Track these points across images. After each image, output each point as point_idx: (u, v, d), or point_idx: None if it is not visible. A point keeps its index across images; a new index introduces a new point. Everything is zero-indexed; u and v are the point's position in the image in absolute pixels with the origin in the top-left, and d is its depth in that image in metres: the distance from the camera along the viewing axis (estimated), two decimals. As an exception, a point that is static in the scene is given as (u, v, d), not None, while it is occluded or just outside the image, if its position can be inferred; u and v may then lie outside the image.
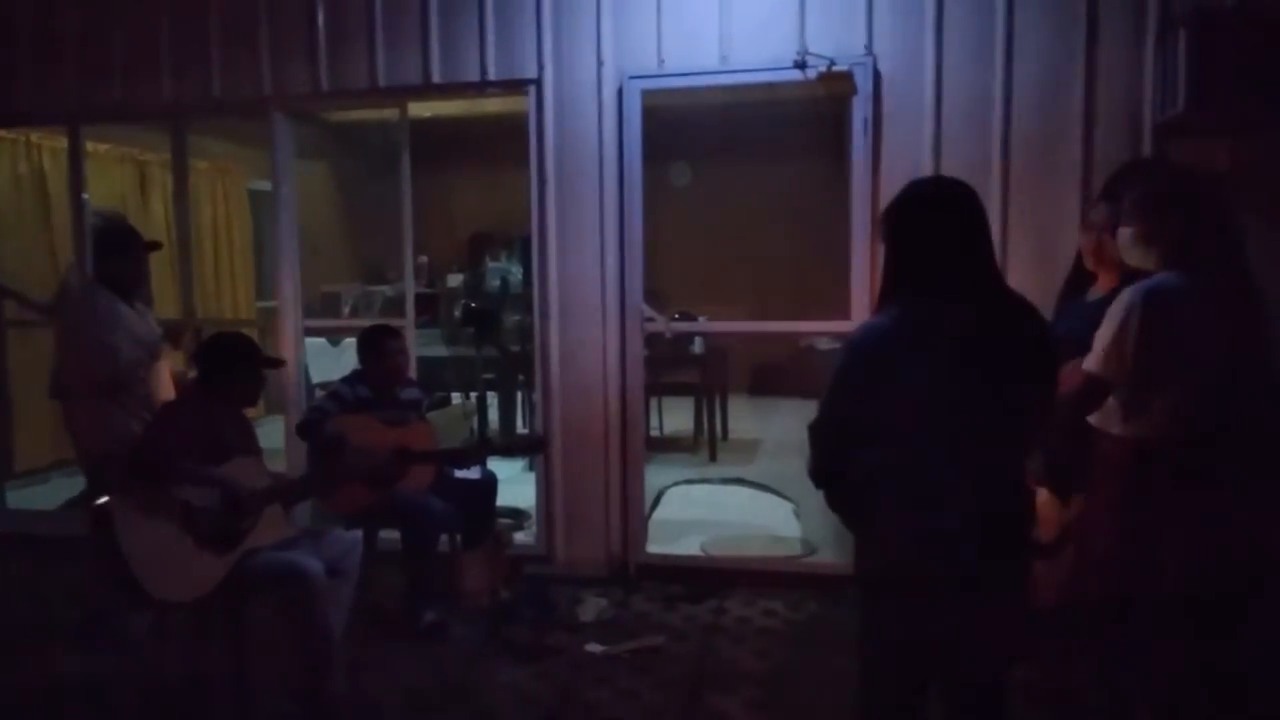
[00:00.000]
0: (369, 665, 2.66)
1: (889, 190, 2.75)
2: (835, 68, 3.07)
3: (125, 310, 2.87)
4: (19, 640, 2.93)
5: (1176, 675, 1.96)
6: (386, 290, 6.47)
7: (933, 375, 1.46)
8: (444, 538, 3.09)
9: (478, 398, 4.61)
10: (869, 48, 3.08)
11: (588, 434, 3.42)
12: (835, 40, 3.08)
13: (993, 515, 1.50)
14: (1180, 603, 1.90)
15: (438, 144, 4.82)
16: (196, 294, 4.75)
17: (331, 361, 5.13)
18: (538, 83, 3.36)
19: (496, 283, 5.12)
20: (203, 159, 5.66)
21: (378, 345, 3.10)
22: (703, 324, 4.89)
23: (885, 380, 1.48)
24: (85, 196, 4.01)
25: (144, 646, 2.59)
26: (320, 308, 6.06)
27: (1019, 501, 1.56)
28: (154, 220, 5.47)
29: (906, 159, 3.03)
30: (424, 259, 6.07)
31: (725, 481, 4.61)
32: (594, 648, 2.80)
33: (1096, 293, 2.29)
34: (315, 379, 5.04)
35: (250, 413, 2.66)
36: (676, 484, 4.49)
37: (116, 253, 2.94)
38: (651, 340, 3.55)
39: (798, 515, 3.95)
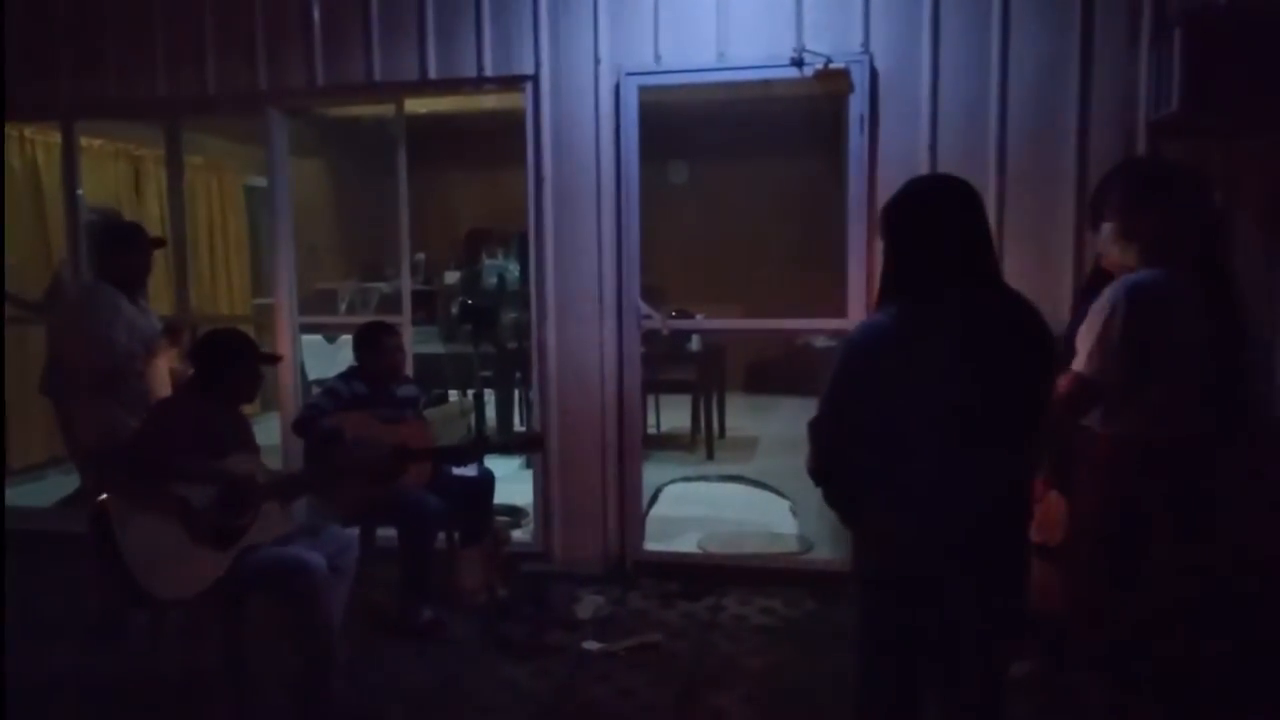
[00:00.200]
0: (366, 662, 2.66)
1: (885, 188, 2.76)
2: (832, 65, 3.07)
3: (127, 305, 2.87)
4: (17, 638, 2.92)
5: (1168, 674, 1.97)
6: (383, 287, 6.47)
7: (931, 373, 1.47)
8: (441, 535, 3.09)
9: (475, 395, 4.59)
10: (865, 46, 3.08)
11: (585, 431, 3.42)
12: (832, 38, 3.08)
13: (990, 513, 1.50)
14: (1168, 602, 1.91)
15: (434, 140, 4.81)
16: (192, 291, 4.73)
17: (328, 359, 5.11)
18: (535, 79, 3.36)
19: (493, 280, 5.11)
20: (198, 155, 5.63)
21: (374, 342, 3.10)
22: (700, 321, 4.89)
23: (884, 378, 1.49)
24: (79, 192, 3.99)
25: (143, 644, 2.58)
26: (316, 305, 6.05)
27: (1017, 499, 1.56)
28: (149, 217, 5.44)
29: (903, 157, 3.04)
30: (421, 256, 6.07)
31: (723, 479, 4.61)
32: (591, 645, 2.80)
33: None
34: (311, 376, 5.03)
35: (247, 410, 2.65)
36: (674, 481, 4.49)
37: (121, 248, 2.94)
38: (649, 338, 3.55)
39: (795, 513, 3.96)
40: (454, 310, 5.12)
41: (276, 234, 3.75)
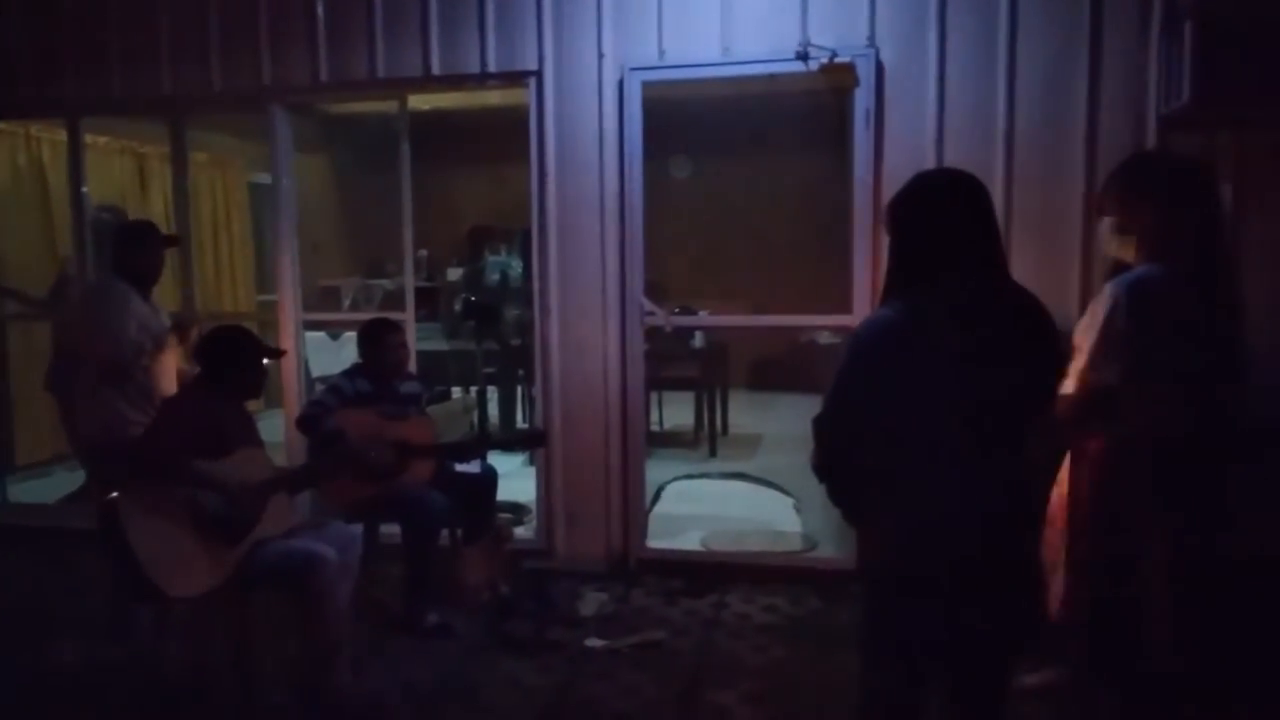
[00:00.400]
0: (370, 658, 2.66)
1: (891, 183, 2.74)
2: (837, 59, 3.04)
3: (138, 301, 2.88)
4: (23, 633, 2.94)
5: (1168, 671, 1.95)
6: (386, 284, 6.47)
7: (937, 370, 1.45)
8: (444, 532, 3.08)
9: (478, 392, 4.59)
10: (871, 39, 3.06)
11: (588, 428, 3.41)
12: (837, 31, 3.06)
13: (996, 511, 1.49)
14: (1167, 598, 1.89)
15: (437, 137, 4.81)
16: (196, 288, 4.74)
17: (331, 355, 5.12)
18: (538, 74, 3.34)
19: (496, 276, 5.11)
20: (202, 152, 5.64)
21: (378, 339, 3.09)
22: (703, 318, 4.87)
23: (889, 374, 1.47)
24: (85, 190, 4.00)
25: (151, 640, 2.59)
26: (320, 301, 6.05)
27: (1023, 497, 1.54)
28: (153, 213, 5.45)
29: (909, 152, 3.01)
30: (424, 253, 6.06)
31: (726, 476, 4.60)
32: (594, 642, 2.80)
33: None
34: (315, 373, 5.03)
35: (251, 406, 2.65)
36: (677, 479, 4.48)
37: (135, 245, 2.95)
38: (652, 334, 3.54)
39: (798, 510, 3.94)
40: (457, 307, 5.12)
41: (280, 231, 3.75)
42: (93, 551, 2.94)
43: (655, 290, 3.66)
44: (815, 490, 1.66)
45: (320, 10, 3.51)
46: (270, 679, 2.46)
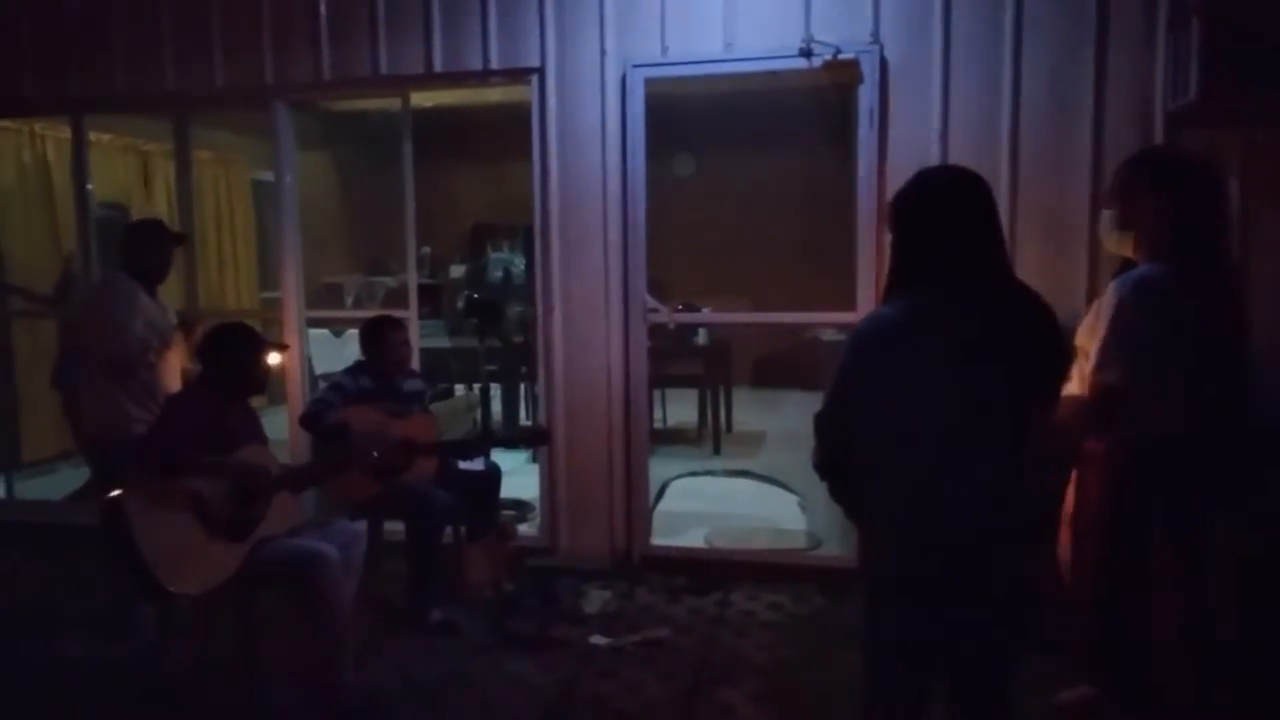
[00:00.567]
0: (374, 655, 2.66)
1: (895, 180, 2.73)
2: (841, 56, 3.03)
3: (145, 298, 2.89)
4: (28, 629, 2.95)
5: (1175, 668, 1.94)
6: (389, 281, 6.47)
7: (938, 367, 1.45)
8: (448, 530, 3.08)
9: (481, 389, 4.58)
10: (875, 36, 3.04)
11: (591, 426, 3.41)
12: (841, 28, 3.04)
13: (997, 508, 1.48)
14: (1175, 603, 1.88)
15: (440, 134, 4.79)
16: (200, 285, 4.75)
17: (334, 353, 5.12)
18: (541, 71, 3.33)
19: (499, 273, 5.11)
20: (206, 149, 5.64)
21: (381, 336, 3.09)
22: (707, 315, 4.87)
23: (890, 371, 1.47)
24: (89, 187, 4.01)
25: (156, 636, 2.60)
26: (323, 299, 6.05)
27: (1024, 494, 1.53)
28: (157, 211, 5.46)
29: (913, 149, 3.00)
30: (426, 250, 6.06)
31: (730, 474, 4.60)
32: (598, 640, 2.80)
33: None
34: (318, 370, 5.03)
35: (255, 403, 2.66)
36: (681, 476, 4.48)
37: (144, 243, 2.96)
38: (655, 331, 3.53)
39: (803, 508, 3.94)
40: (460, 304, 5.12)
41: (283, 228, 3.75)
42: (96, 548, 2.94)
43: (658, 287, 3.65)
44: (819, 488, 1.65)
45: (323, 7, 3.50)
46: (274, 676, 2.46)
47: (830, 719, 2.32)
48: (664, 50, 3.21)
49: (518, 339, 4.78)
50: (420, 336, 3.70)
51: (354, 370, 3.09)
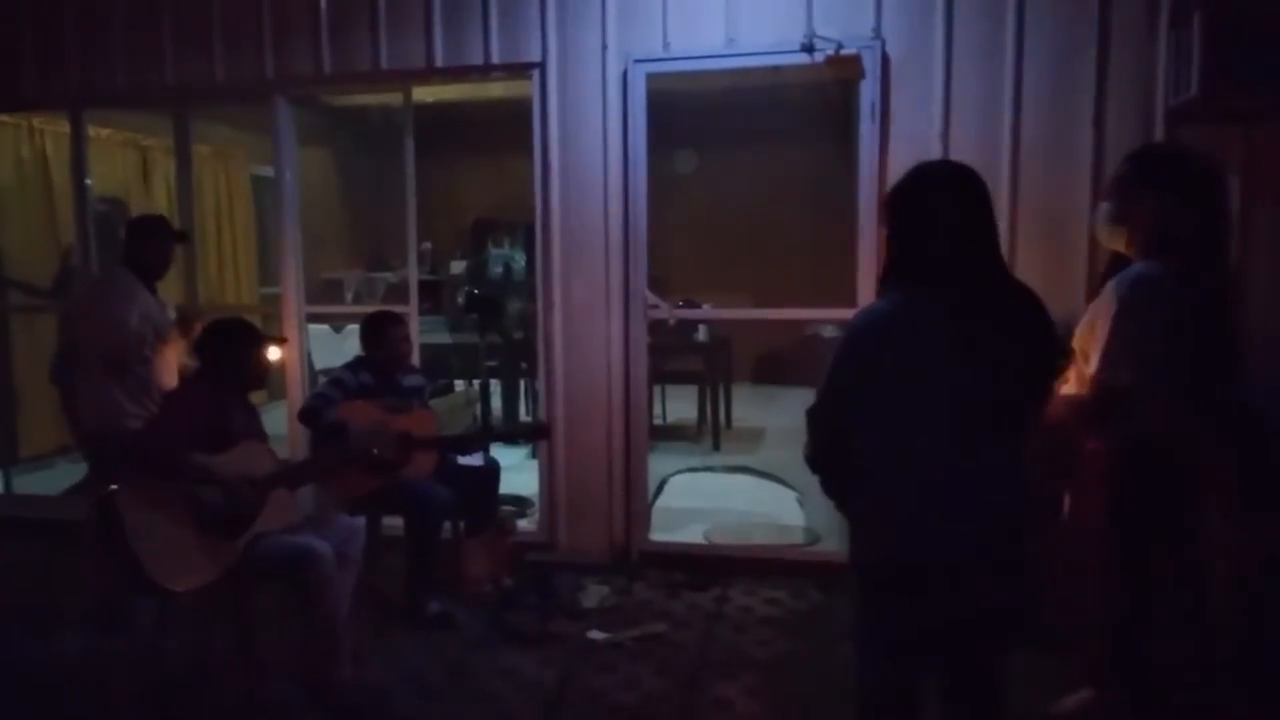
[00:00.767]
0: (372, 651, 2.67)
1: (896, 176, 2.68)
2: (843, 51, 3.02)
3: (143, 293, 2.89)
4: (25, 625, 2.95)
5: (1176, 669, 1.94)
6: (389, 277, 6.47)
7: (930, 362, 1.44)
8: (447, 525, 3.09)
9: (481, 385, 4.60)
10: (877, 31, 3.04)
11: (591, 421, 3.41)
12: (843, 23, 3.04)
13: (988, 503, 1.48)
14: (1175, 604, 1.88)
15: (441, 129, 4.79)
16: (200, 280, 4.75)
17: (334, 348, 5.12)
18: (542, 67, 3.33)
19: (499, 269, 5.10)
20: (205, 145, 5.64)
21: (381, 332, 3.09)
22: (707, 311, 4.86)
23: (883, 365, 1.47)
24: (88, 182, 4.00)
25: (150, 632, 2.60)
26: (323, 294, 6.05)
27: (1015, 490, 1.53)
28: (156, 206, 5.46)
29: (914, 144, 2.99)
30: (427, 245, 6.06)
31: (729, 470, 4.60)
32: (596, 635, 2.80)
33: None
34: (318, 365, 5.03)
35: (255, 398, 2.65)
36: (680, 472, 4.48)
37: (145, 238, 2.96)
38: (655, 327, 3.53)
39: (802, 504, 3.94)
40: (460, 300, 5.12)
41: (283, 223, 3.74)
42: (87, 544, 2.93)
43: (659, 283, 3.65)
44: (818, 484, 1.65)
45: (323, 1, 3.50)
46: (272, 672, 2.46)
47: (828, 714, 2.32)
48: (665, 45, 3.21)
49: (518, 335, 4.78)
50: (420, 332, 3.69)
51: (354, 365, 3.09)
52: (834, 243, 3.80)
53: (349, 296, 6.52)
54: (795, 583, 3.19)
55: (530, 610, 2.95)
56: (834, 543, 3.40)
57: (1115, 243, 1.91)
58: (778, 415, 5.76)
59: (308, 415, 2.96)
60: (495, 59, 3.37)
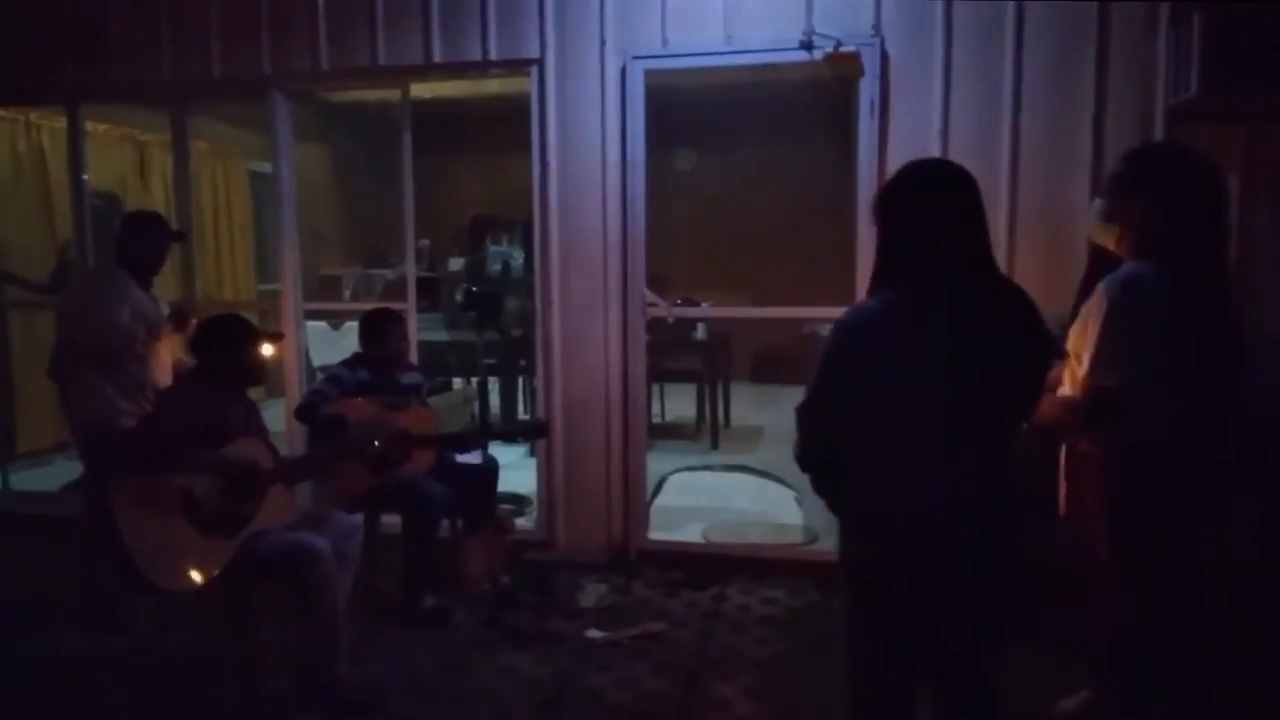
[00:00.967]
0: (370, 649, 2.66)
1: (896, 174, 2.71)
2: (842, 48, 3.01)
3: (136, 290, 2.88)
4: (21, 621, 2.94)
5: (1176, 670, 1.94)
6: (387, 273, 6.45)
7: (921, 360, 1.44)
8: (445, 523, 3.08)
9: (479, 383, 4.59)
10: (876, 28, 3.03)
11: (589, 420, 3.40)
12: (842, 21, 3.03)
13: (977, 502, 1.47)
14: (1173, 605, 1.87)
15: (439, 126, 4.77)
16: (198, 276, 4.74)
17: (332, 345, 5.11)
18: (540, 63, 3.32)
19: (498, 267, 5.09)
20: (203, 140, 5.62)
21: (379, 329, 3.08)
22: (706, 309, 4.86)
23: (873, 364, 1.46)
24: (85, 177, 3.99)
25: (147, 629, 2.59)
26: (321, 291, 6.04)
27: (1006, 488, 1.52)
28: (154, 202, 5.45)
29: (913, 142, 2.99)
30: (425, 242, 6.04)
31: (727, 468, 4.60)
32: (594, 633, 2.80)
33: None
34: (316, 362, 5.03)
35: (253, 395, 2.64)
36: (678, 471, 4.48)
37: (139, 235, 2.95)
38: (654, 326, 3.52)
39: (800, 503, 3.94)
40: (458, 297, 5.11)
41: (281, 219, 3.73)
42: (80, 542, 2.92)
43: (657, 281, 3.64)
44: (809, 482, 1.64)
45: (321, -3, 3.49)
46: (270, 669, 2.46)
47: (826, 713, 2.31)
48: (664, 42, 3.20)
49: (516, 332, 4.78)
50: (418, 329, 3.68)
51: (351, 363, 3.08)
52: (833, 241, 3.80)
53: (347, 293, 6.50)
54: (793, 582, 3.19)
55: (528, 609, 2.95)
56: (832, 542, 3.35)
57: (1106, 240, 1.91)
58: (776, 414, 5.75)
59: (305, 412, 2.95)
60: (493, 55, 3.36)
